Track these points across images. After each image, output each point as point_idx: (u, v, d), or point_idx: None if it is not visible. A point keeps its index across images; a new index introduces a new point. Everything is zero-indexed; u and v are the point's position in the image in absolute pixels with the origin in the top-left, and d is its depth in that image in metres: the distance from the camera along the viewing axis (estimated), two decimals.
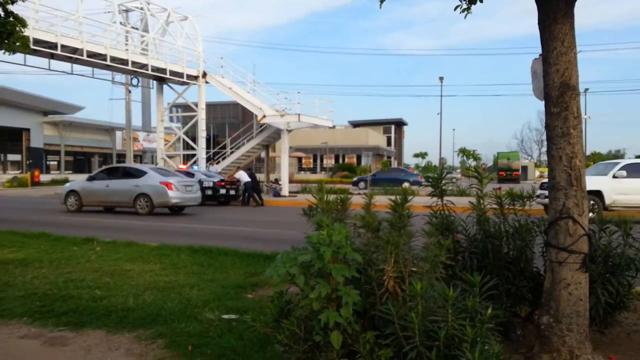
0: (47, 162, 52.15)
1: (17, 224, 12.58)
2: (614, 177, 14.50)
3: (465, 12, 4.22)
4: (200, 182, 20.65)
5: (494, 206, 4.29)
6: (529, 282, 4.03)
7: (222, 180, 21.70)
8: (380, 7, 4.46)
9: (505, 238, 4.12)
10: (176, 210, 17.66)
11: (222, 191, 21.42)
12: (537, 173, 67.06)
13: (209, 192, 21.09)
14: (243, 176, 21.82)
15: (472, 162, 69.73)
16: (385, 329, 2.99)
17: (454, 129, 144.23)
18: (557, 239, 3.45)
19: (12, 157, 57.62)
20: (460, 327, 2.77)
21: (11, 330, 4.44)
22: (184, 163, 27.68)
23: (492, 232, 4.14)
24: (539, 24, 3.64)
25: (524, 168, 62.88)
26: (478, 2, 4.07)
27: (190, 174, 21.30)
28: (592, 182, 15.34)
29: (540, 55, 3.77)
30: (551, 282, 3.47)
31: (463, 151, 72.26)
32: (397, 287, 3.20)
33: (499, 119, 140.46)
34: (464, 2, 4.12)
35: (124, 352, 3.92)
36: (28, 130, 47.87)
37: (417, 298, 2.90)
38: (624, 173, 14.34)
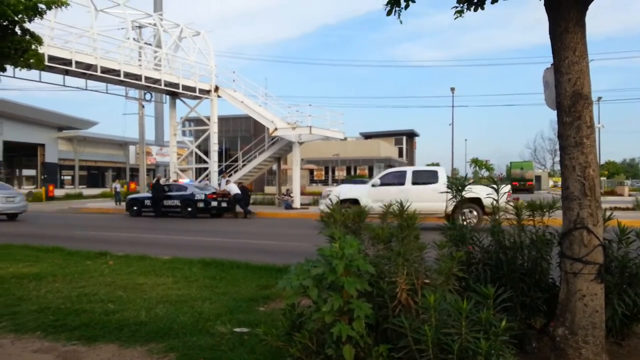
0: (62, 177, 52.69)
1: (32, 238, 12.70)
2: (372, 185, 15.68)
3: (458, 15, 4.22)
4: (192, 195, 21.75)
5: (509, 217, 4.24)
6: (544, 294, 3.97)
7: (213, 193, 22.19)
8: (388, 15, 4.47)
9: (520, 249, 4.07)
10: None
11: (214, 204, 21.91)
12: (551, 183, 66.45)
13: (201, 204, 21.76)
14: (233, 189, 22.40)
15: (485, 173, 69.28)
16: (398, 342, 2.96)
17: (466, 139, 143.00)
18: (571, 250, 3.40)
19: (27, 172, 58.31)
20: (474, 340, 2.73)
21: (25, 344, 4.46)
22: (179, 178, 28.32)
23: (506, 244, 4.10)
24: (550, 33, 3.63)
25: (538, 178, 62.36)
26: (479, 9, 4.08)
27: (183, 187, 22.47)
28: (352, 190, 16.37)
29: (551, 64, 3.75)
30: (566, 294, 3.41)
31: (475, 161, 71.87)
32: (409, 299, 3.17)
33: (511, 129, 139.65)
34: (460, 4, 4.13)
35: None
36: (43, 145, 48.55)
37: (430, 311, 2.87)
38: (379, 182, 15.51)
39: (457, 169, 59.79)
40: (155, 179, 24.59)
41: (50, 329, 4.79)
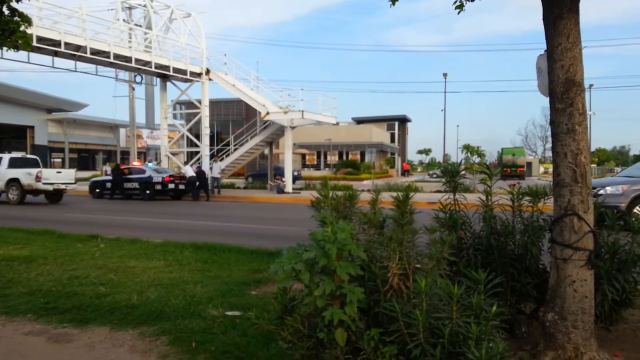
0: (52, 160, 52.27)
1: (22, 221, 12.62)
2: None
3: (459, 10, 4.20)
4: (150, 177, 22.57)
5: (502, 203, 4.26)
6: (534, 279, 4.01)
7: (170, 176, 22.80)
8: (392, 5, 4.43)
9: (511, 235, 4.10)
10: None
11: (171, 186, 22.53)
12: (542, 169, 66.87)
13: (159, 187, 22.48)
14: (188, 171, 23.18)
15: (476, 159, 69.51)
16: (389, 326, 2.98)
17: (458, 125, 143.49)
18: (562, 236, 3.43)
19: (16, 154, 57.84)
20: (465, 325, 2.76)
21: (16, 326, 4.45)
22: (138, 160, 28.68)
23: (497, 229, 4.12)
24: (543, 19, 3.61)
25: (529, 164, 62.68)
26: None
27: (141, 171, 23.22)
28: None
29: (545, 51, 3.74)
30: (556, 279, 3.45)
31: (467, 147, 72.02)
32: (401, 284, 3.19)
33: (503, 116, 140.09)
34: None
35: (128, 348, 3.93)
36: (32, 127, 48.07)
37: (422, 295, 2.89)
38: None
39: (448, 155, 59.89)
40: (115, 163, 25.49)
41: (42, 312, 4.78)
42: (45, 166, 33.41)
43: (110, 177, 23.92)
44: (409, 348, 2.85)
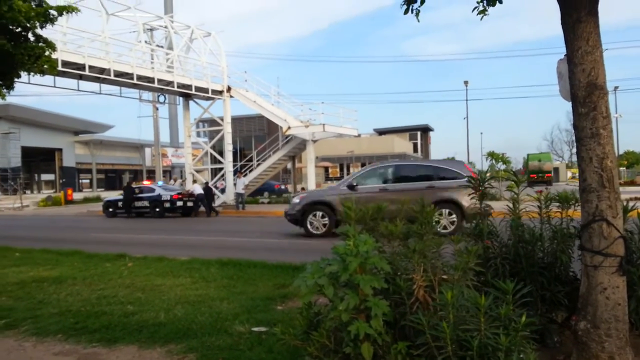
0: (80, 181, 53.39)
1: (52, 242, 12.87)
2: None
3: (482, 15, 4.17)
4: (159, 196, 23.34)
5: (530, 210, 4.18)
6: (565, 287, 3.91)
7: (179, 194, 23.59)
8: (405, 14, 4.42)
9: (540, 242, 4.02)
10: None
11: (179, 203, 23.28)
12: (569, 174, 65.60)
13: (167, 204, 23.22)
14: (196, 189, 23.86)
15: (501, 166, 68.58)
16: (416, 339, 2.93)
17: (481, 133, 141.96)
18: (591, 243, 3.35)
19: (45, 176, 59.17)
20: (493, 336, 2.70)
21: (46, 347, 4.52)
22: (149, 179, 29.24)
23: (525, 237, 4.05)
24: (562, 24, 3.57)
25: (556, 170, 61.55)
26: (497, 3, 4.02)
27: (151, 189, 24.01)
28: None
29: (565, 55, 3.69)
30: (587, 287, 3.36)
31: (492, 155, 71.13)
32: (427, 296, 3.15)
33: (527, 121, 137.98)
34: (481, 3, 4.07)
35: None
36: (60, 150, 49.25)
37: (448, 307, 2.84)
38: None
39: (473, 163, 59.23)
40: (127, 183, 26.64)
41: (71, 332, 4.84)
42: (73, 187, 34.15)
43: (121, 197, 24.66)
44: None
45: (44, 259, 9.56)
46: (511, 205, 4.12)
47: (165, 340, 4.50)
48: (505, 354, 2.61)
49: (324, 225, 13.38)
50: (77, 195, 40.21)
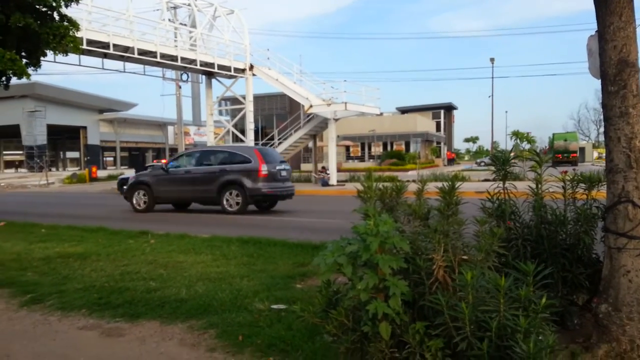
0: (104, 158, 54.27)
1: (76, 218, 13.14)
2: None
3: None
4: None
5: (553, 191, 4.10)
6: (587, 269, 3.85)
7: None
8: None
9: (562, 224, 3.95)
10: None
11: None
12: (596, 154, 64.36)
13: None
14: None
15: (526, 145, 67.52)
16: (435, 320, 2.93)
17: (506, 112, 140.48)
18: (615, 224, 3.28)
19: (70, 154, 60.29)
20: (512, 318, 2.68)
21: (71, 321, 4.64)
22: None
23: (547, 218, 3.98)
24: None
25: (582, 150, 60.39)
26: None
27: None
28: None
29: (596, 31, 3.57)
30: (610, 269, 3.30)
31: (516, 134, 70.07)
32: (446, 276, 3.13)
33: (554, 100, 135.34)
34: None
35: (177, 342, 4.02)
36: (85, 128, 50.00)
37: (468, 288, 2.82)
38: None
39: (497, 142, 58.47)
40: (138, 162, 25.77)
41: (95, 307, 4.96)
42: (97, 165, 34.77)
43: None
44: (455, 341, 2.79)
45: (69, 235, 9.76)
46: (533, 186, 4.04)
47: (187, 316, 4.57)
48: (524, 335, 2.59)
49: (144, 202, 15.41)
50: (101, 173, 40.90)
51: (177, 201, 15.89)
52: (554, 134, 56.00)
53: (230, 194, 14.29)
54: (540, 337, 2.56)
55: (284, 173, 15.11)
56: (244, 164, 14.42)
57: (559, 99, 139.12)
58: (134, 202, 15.59)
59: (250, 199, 14.22)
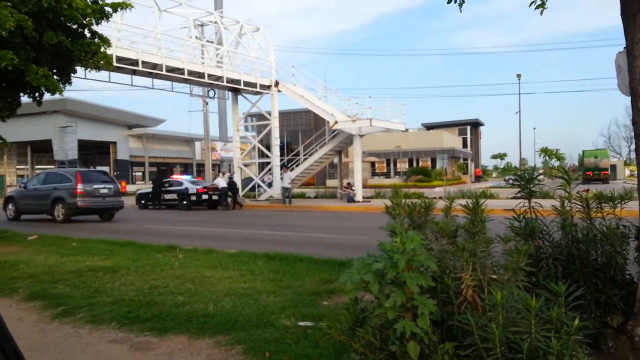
0: (133, 173, 55.12)
1: (106, 232, 13.38)
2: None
3: (541, 9, 4.04)
4: (187, 189, 24.71)
5: (579, 209, 4.03)
6: (621, 290, 3.75)
7: (204, 187, 24.98)
8: (448, 3, 4.36)
9: (593, 243, 3.87)
10: None
11: (205, 197, 24.50)
12: (627, 172, 62.79)
13: (194, 197, 24.47)
14: (220, 183, 24.90)
15: (555, 162, 66.26)
16: (464, 340, 2.89)
17: (534, 128, 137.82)
18: None
19: (100, 169, 61.48)
20: (544, 339, 2.63)
21: (101, 334, 4.71)
22: (180, 173, 30.58)
23: (578, 237, 3.90)
24: (621, 14, 3.42)
25: (613, 167, 58.95)
26: None
27: (179, 183, 25.56)
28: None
29: (624, 48, 3.53)
30: None
31: (545, 151, 68.78)
32: (475, 296, 3.09)
33: (583, 116, 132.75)
34: None
35: (204, 357, 4.05)
36: (115, 143, 50.99)
37: (498, 308, 2.78)
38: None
39: (525, 159, 57.59)
40: (156, 176, 28.56)
41: (124, 320, 5.03)
42: (126, 180, 35.51)
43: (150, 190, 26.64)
44: None
45: (99, 248, 9.94)
46: (558, 205, 3.98)
47: (214, 332, 4.60)
48: (557, 358, 2.54)
49: (13, 212, 19.33)
50: (130, 188, 41.57)
51: (31, 212, 19.30)
52: (584, 151, 54.89)
53: (58, 207, 18.07)
54: None
55: (104, 191, 18.58)
56: (67, 183, 18.14)
57: (588, 115, 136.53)
58: (7, 213, 19.50)
59: (70, 212, 17.89)
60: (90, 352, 4.26)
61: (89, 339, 4.61)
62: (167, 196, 25.17)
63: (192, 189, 24.56)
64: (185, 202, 24.30)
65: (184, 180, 26.38)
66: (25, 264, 8.34)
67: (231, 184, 24.93)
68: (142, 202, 26.22)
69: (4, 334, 0.67)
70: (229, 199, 24.36)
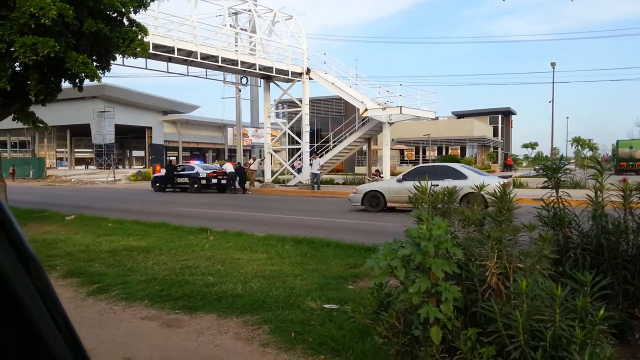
0: (167, 157, 56.14)
1: (140, 214, 13.73)
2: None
3: None
4: (198, 173, 25.67)
5: (614, 199, 3.97)
6: None
7: (213, 172, 26.14)
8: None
9: (624, 234, 3.82)
10: None
11: (214, 180, 25.68)
12: None
13: (204, 181, 25.56)
14: (227, 168, 26.22)
15: (588, 152, 64.48)
16: (487, 327, 2.91)
17: (567, 117, 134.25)
18: None
19: (136, 153, 62.86)
20: (568, 328, 2.63)
21: (134, 311, 4.89)
22: (192, 159, 32.34)
23: (608, 228, 3.86)
24: None
25: None
26: None
27: (191, 167, 26.43)
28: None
29: None
30: None
31: (578, 140, 66.93)
32: (500, 283, 3.10)
33: (618, 106, 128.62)
34: None
35: (232, 335, 4.17)
36: (150, 128, 52.00)
37: (522, 296, 2.79)
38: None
39: (557, 149, 56.24)
40: (169, 161, 29.64)
41: (157, 298, 5.20)
42: (161, 164, 36.34)
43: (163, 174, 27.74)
44: (508, 350, 2.77)
45: (133, 229, 10.23)
46: (592, 195, 3.93)
47: (242, 311, 4.73)
48: (580, 347, 2.54)
49: None
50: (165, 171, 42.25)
51: None
52: (618, 141, 53.19)
53: None
54: (597, 350, 2.50)
55: None
56: None
57: (623, 104, 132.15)
58: None
59: None
60: (124, 328, 4.44)
61: (122, 315, 4.80)
62: (180, 180, 26.35)
63: (203, 173, 25.75)
64: (196, 185, 25.47)
65: (196, 165, 27.47)
66: (63, 242, 8.66)
67: (239, 169, 26.01)
68: (157, 184, 27.36)
69: (54, 303, 0.73)
70: (236, 183, 25.52)
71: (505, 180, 13.90)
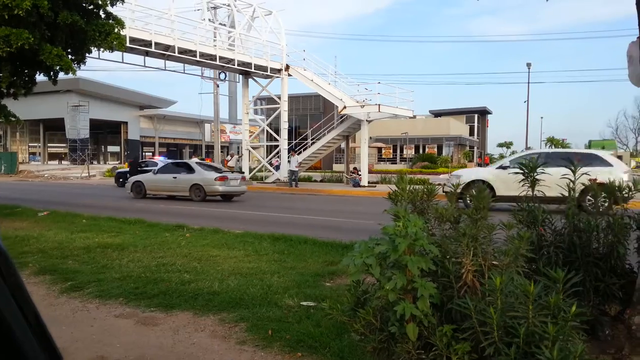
0: (143, 153, 55.40)
1: (115, 211, 13.53)
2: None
3: None
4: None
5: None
6: (620, 280, 3.79)
7: None
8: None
9: (595, 232, 3.90)
10: None
11: None
12: (633, 163, 62.28)
13: None
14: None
15: None
16: (462, 323, 2.95)
17: (541, 117, 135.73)
18: None
19: (111, 148, 61.89)
20: (541, 324, 2.67)
21: (108, 309, 4.82)
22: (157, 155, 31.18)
23: (580, 227, 3.93)
24: (636, 3, 3.41)
25: (619, 158, 58.40)
26: None
27: (154, 164, 25.13)
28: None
29: (637, 38, 3.53)
30: None
31: (552, 140, 68.30)
32: (475, 280, 3.14)
33: (591, 107, 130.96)
34: None
35: (209, 333, 4.14)
36: (126, 123, 51.24)
37: (497, 293, 2.83)
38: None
39: (531, 148, 57.14)
40: (134, 158, 29.71)
41: (132, 296, 5.14)
42: (134, 160, 36.09)
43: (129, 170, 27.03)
44: (483, 346, 2.81)
45: (108, 226, 10.08)
46: (565, 193, 4.00)
47: (219, 309, 4.70)
48: (552, 343, 2.59)
49: None
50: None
51: None
52: (590, 141, 54.46)
53: None
54: (569, 345, 2.55)
55: None
56: None
57: (596, 106, 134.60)
58: None
59: None
60: (98, 326, 4.37)
61: (96, 313, 4.73)
62: None
63: None
64: None
65: (159, 160, 27.13)
66: (35, 239, 8.49)
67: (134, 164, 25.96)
68: (121, 180, 26.77)
69: (25, 300, 0.71)
70: None
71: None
